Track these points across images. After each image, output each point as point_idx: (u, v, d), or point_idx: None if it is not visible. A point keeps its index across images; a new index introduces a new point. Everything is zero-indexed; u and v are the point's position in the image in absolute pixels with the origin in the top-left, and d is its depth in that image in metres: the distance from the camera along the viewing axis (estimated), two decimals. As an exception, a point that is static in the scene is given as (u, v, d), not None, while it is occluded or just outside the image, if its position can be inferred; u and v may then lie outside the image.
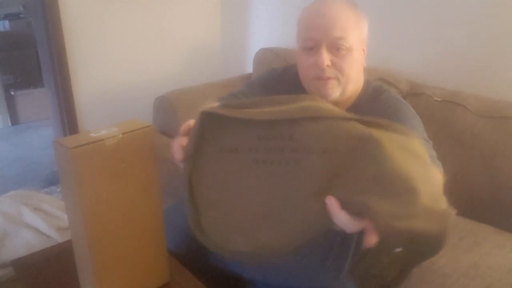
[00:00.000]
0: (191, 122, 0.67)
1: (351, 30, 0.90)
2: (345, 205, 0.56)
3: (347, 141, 0.57)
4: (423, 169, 0.57)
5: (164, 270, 1.03)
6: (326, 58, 0.89)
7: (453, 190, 1.45)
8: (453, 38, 1.65)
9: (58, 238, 1.33)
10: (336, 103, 0.92)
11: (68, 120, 2.24)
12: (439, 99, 1.53)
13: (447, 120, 1.49)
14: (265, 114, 0.61)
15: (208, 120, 0.64)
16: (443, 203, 0.58)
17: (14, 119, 3.68)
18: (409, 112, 1.00)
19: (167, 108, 2.06)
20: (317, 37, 0.90)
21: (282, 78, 1.09)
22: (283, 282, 0.95)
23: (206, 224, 0.65)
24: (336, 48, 0.90)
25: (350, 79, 0.93)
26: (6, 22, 4.00)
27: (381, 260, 1.04)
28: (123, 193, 0.87)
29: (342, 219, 0.55)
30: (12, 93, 3.66)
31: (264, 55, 2.20)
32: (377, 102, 0.99)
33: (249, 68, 2.39)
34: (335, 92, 0.93)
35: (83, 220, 0.82)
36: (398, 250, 0.83)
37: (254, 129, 0.61)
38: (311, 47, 0.92)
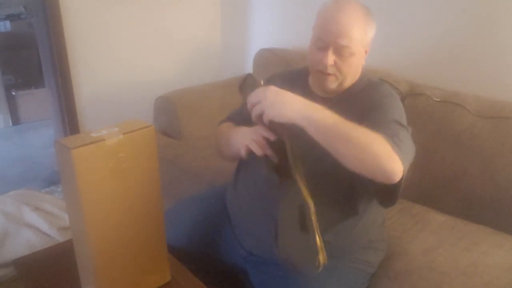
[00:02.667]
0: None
1: (358, 39, 1.03)
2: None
3: None
4: None
5: (165, 270, 1.03)
6: (330, 59, 1.04)
7: (452, 189, 1.46)
8: (453, 38, 1.66)
9: (59, 237, 1.33)
10: (331, 91, 1.11)
11: (69, 120, 2.24)
12: (438, 100, 1.54)
13: (446, 120, 1.49)
14: None
15: None
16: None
17: (15, 119, 3.69)
18: (392, 99, 1.09)
19: (168, 108, 2.06)
20: (327, 40, 1.03)
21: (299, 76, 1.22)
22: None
23: None
24: (340, 52, 1.03)
25: (348, 77, 1.08)
26: (7, 23, 4.01)
27: None
28: (124, 193, 0.88)
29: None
30: (13, 93, 3.66)
31: (264, 55, 2.20)
32: (366, 91, 1.11)
33: (249, 69, 2.39)
34: (332, 85, 1.09)
35: (83, 220, 0.83)
36: None
37: None
38: (321, 46, 1.05)
